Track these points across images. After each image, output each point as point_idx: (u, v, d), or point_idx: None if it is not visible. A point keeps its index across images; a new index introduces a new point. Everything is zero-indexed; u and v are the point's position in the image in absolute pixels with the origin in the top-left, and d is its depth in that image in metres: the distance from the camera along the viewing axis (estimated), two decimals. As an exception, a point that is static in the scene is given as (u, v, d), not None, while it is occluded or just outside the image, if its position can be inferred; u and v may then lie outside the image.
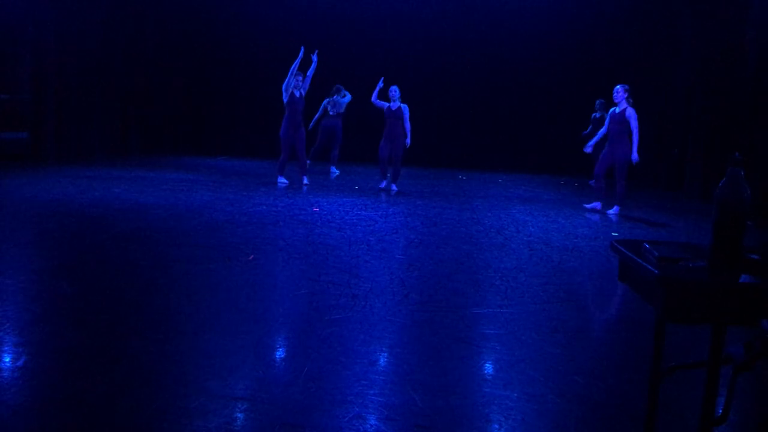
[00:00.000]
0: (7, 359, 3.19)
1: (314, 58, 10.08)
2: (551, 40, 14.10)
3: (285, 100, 9.79)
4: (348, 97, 11.65)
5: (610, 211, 8.78)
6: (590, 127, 12.18)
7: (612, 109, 8.71)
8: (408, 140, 9.86)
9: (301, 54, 9.85)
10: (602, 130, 9.00)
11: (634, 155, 8.41)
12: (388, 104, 9.86)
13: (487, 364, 3.47)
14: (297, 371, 3.15)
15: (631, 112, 8.42)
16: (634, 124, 8.37)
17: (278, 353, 3.51)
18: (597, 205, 9.02)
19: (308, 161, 10.69)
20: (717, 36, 10.36)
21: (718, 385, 2.16)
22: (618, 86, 8.61)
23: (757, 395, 3.24)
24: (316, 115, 11.77)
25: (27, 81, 11.67)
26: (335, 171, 11.84)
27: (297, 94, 9.76)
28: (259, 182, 10.52)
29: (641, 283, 2.10)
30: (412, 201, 9.25)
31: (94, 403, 2.76)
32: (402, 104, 9.80)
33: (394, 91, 9.81)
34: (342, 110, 11.65)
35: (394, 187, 10.08)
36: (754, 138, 8.90)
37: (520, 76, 14.43)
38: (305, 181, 10.32)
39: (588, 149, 9.49)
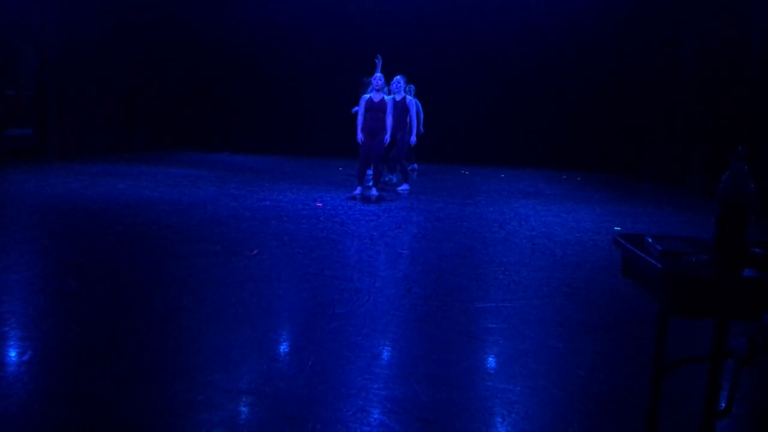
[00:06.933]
0: (13, 354, 3.21)
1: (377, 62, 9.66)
2: (554, 35, 14.05)
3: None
4: None
5: (401, 188, 9.69)
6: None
7: (391, 97, 8.96)
8: (414, 137, 9.47)
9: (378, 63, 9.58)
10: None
11: (413, 138, 9.85)
12: (369, 95, 8.61)
13: (490, 358, 3.48)
14: (301, 365, 3.17)
15: (410, 101, 9.56)
16: (413, 111, 9.65)
17: (282, 347, 3.53)
18: (406, 186, 9.83)
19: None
20: (721, 30, 10.31)
21: (721, 379, 2.16)
22: (399, 77, 9.46)
23: (760, 389, 3.24)
24: None
25: (32, 77, 11.69)
26: None
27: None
28: (263, 177, 10.53)
29: (644, 277, 2.10)
30: (414, 196, 9.25)
31: (100, 397, 2.77)
32: (387, 97, 8.64)
33: (378, 80, 8.60)
34: None
35: (374, 192, 8.75)
36: (758, 132, 8.87)
37: (522, 72, 14.39)
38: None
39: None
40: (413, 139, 9.81)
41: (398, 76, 9.45)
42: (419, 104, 11.25)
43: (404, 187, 9.66)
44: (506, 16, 14.20)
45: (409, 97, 9.62)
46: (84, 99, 12.53)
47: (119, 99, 13.72)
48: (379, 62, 9.48)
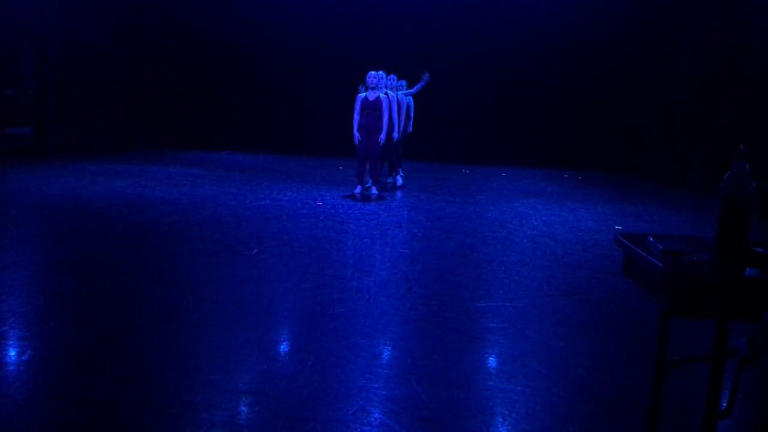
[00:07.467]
0: (13, 353, 3.20)
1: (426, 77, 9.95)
2: (554, 35, 14.04)
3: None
4: None
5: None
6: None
7: (386, 95, 9.07)
8: (396, 133, 8.98)
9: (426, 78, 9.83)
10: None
11: (395, 134, 9.35)
12: (364, 94, 8.64)
13: (491, 358, 3.47)
14: (301, 365, 3.16)
15: (392, 96, 9.25)
16: (394, 107, 9.30)
17: (282, 347, 3.52)
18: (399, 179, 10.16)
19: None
20: (721, 30, 10.31)
21: (722, 379, 2.16)
22: (381, 72, 9.12)
23: (762, 389, 3.24)
24: None
25: (31, 76, 11.70)
26: None
27: None
28: (263, 176, 10.52)
29: (645, 276, 2.09)
30: (415, 195, 9.24)
31: (99, 396, 2.77)
32: (383, 95, 8.65)
33: (373, 77, 8.59)
34: None
35: (374, 191, 8.91)
36: (758, 132, 8.86)
37: (522, 72, 14.38)
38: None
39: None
40: (395, 134, 9.68)
41: (381, 72, 9.32)
42: (411, 102, 11.16)
43: (398, 178, 10.08)
44: (506, 16, 14.19)
45: (391, 93, 9.54)
46: (84, 99, 12.52)
47: (119, 99, 13.72)
48: (426, 78, 9.85)
